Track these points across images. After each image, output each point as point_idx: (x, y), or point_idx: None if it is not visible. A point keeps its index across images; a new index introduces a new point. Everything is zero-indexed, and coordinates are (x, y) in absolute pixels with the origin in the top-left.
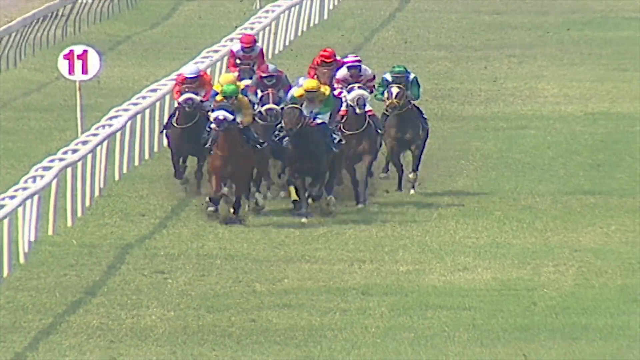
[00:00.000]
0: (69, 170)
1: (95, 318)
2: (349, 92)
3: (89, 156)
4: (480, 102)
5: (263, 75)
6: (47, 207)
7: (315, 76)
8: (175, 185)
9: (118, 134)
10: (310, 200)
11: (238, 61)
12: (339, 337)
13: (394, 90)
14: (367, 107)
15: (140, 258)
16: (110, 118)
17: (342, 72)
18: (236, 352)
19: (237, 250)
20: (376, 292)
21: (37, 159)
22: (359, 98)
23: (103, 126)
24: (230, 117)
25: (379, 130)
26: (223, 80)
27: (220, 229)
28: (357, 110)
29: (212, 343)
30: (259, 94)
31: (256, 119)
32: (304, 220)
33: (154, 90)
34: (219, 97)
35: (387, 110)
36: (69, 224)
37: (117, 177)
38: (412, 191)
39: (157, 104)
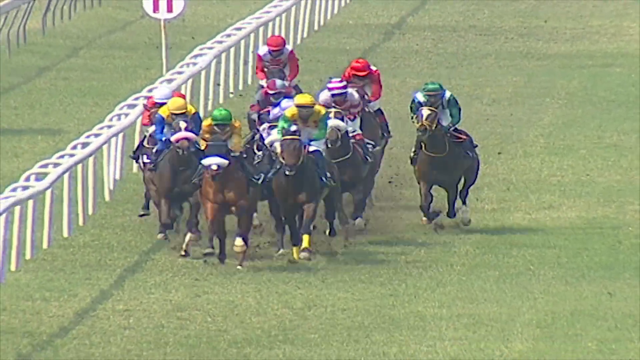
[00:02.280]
0: None
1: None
2: None
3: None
4: (565, 40)
5: (270, 92)
6: (131, 144)
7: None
8: None
9: (203, 73)
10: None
11: (266, 65)
12: (423, 274)
13: (425, 112)
14: (356, 132)
15: None
16: (195, 56)
17: (324, 97)
18: (321, 290)
19: None
20: (461, 230)
21: (121, 97)
22: (331, 131)
23: (188, 64)
24: (225, 162)
25: (369, 158)
26: (172, 105)
27: None
28: (329, 145)
29: (296, 281)
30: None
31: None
32: (281, 251)
33: (239, 29)
34: (206, 122)
35: (418, 136)
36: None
37: (201, 115)
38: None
39: (242, 42)
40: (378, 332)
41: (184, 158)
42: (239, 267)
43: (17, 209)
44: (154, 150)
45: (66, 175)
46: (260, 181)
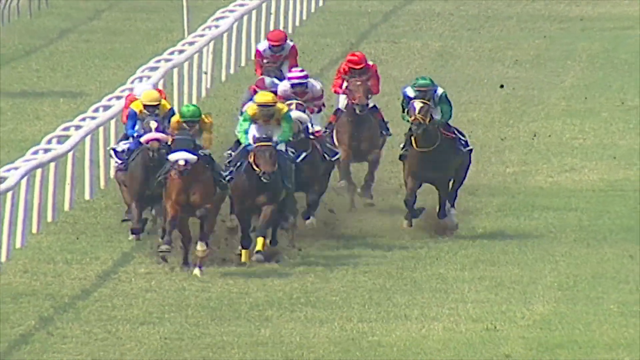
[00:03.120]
0: (175, 71)
1: None
2: None
3: (195, 57)
4: (587, 2)
5: (258, 89)
6: None
7: (348, 90)
8: None
9: (225, 35)
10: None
11: (265, 61)
12: (445, 237)
13: (417, 105)
14: (315, 128)
15: None
16: (217, 19)
17: (284, 87)
18: (342, 253)
19: None
20: (483, 193)
21: (143, 60)
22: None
23: (209, 27)
24: (194, 158)
25: (326, 156)
26: (146, 97)
27: None
28: (290, 138)
29: (318, 244)
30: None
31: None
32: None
33: None
34: (174, 119)
35: (410, 130)
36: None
37: (223, 79)
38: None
39: (264, 5)
40: (400, 294)
41: (155, 159)
42: (196, 273)
43: (39, 171)
44: (124, 149)
45: (88, 138)
46: (228, 183)
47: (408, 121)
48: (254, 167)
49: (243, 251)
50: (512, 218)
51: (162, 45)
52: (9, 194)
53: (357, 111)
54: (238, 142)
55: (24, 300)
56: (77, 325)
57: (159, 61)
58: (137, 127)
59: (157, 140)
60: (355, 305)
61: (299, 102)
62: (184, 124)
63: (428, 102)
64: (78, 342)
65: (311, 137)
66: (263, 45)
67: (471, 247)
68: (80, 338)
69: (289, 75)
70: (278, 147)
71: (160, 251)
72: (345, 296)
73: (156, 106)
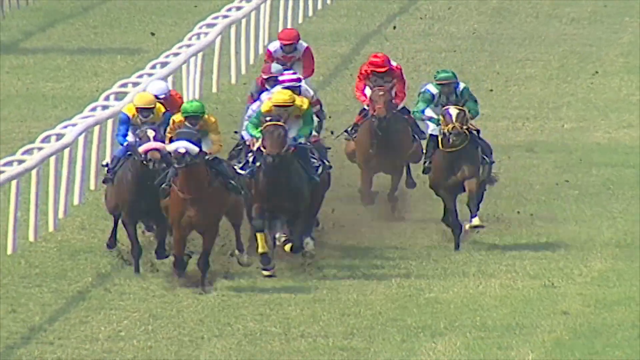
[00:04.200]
0: (232, 27)
1: None
2: None
3: (253, 14)
4: None
5: (265, 76)
6: (210, 65)
7: (370, 99)
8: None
9: None
10: (287, 248)
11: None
12: (503, 193)
13: (453, 111)
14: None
15: None
16: None
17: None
18: (401, 212)
19: None
20: (540, 150)
21: (201, 17)
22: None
23: None
24: (195, 149)
25: (326, 162)
26: (139, 100)
27: None
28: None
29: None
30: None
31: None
32: (266, 273)
33: None
34: (177, 117)
35: (445, 137)
36: (233, 81)
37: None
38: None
39: None
40: (456, 252)
41: (152, 172)
42: (201, 292)
43: (97, 128)
44: (113, 157)
45: None
46: (241, 180)
47: (430, 120)
48: (262, 148)
49: (258, 235)
50: (570, 175)
51: (220, 2)
52: (66, 151)
53: (375, 125)
54: (242, 141)
55: (82, 257)
56: (135, 282)
57: (216, 17)
58: (129, 135)
59: (157, 150)
60: (412, 262)
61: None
62: (186, 122)
63: (463, 108)
64: (136, 299)
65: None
66: (274, 45)
67: (529, 204)
68: (137, 294)
69: (281, 78)
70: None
71: (181, 282)
72: (403, 253)
73: (151, 109)
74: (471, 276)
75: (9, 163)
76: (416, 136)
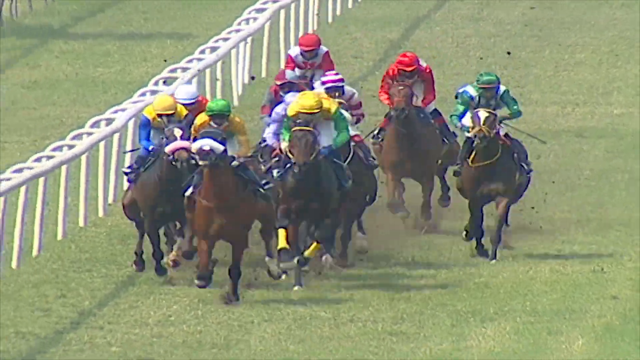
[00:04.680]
0: (282, 12)
1: None
2: None
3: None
4: None
5: (279, 83)
6: (260, 50)
7: (389, 95)
8: None
9: None
10: (312, 247)
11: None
12: (552, 178)
13: (482, 114)
14: (352, 132)
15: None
16: None
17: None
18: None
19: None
20: (590, 135)
21: (250, 2)
22: None
23: None
24: (220, 147)
25: (371, 162)
26: (159, 105)
27: None
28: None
29: None
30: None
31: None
32: (295, 288)
33: None
34: (201, 119)
35: (474, 142)
36: (282, 66)
37: (330, 20)
38: (492, 261)
39: None
40: (508, 234)
41: (179, 172)
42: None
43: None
44: (135, 158)
45: (195, 80)
46: (270, 186)
47: (462, 128)
48: (289, 154)
49: (280, 230)
50: (620, 160)
51: None
52: (116, 136)
53: (395, 116)
54: (262, 148)
55: (131, 242)
56: (184, 267)
57: (265, 2)
58: (152, 137)
59: (185, 149)
60: (462, 247)
61: (341, 101)
62: (211, 122)
63: (494, 112)
64: (185, 284)
65: (352, 143)
66: (295, 50)
67: (578, 189)
68: (187, 279)
69: (323, 78)
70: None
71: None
72: (452, 239)
73: (171, 115)
74: (521, 261)
75: (59, 148)
76: (446, 139)
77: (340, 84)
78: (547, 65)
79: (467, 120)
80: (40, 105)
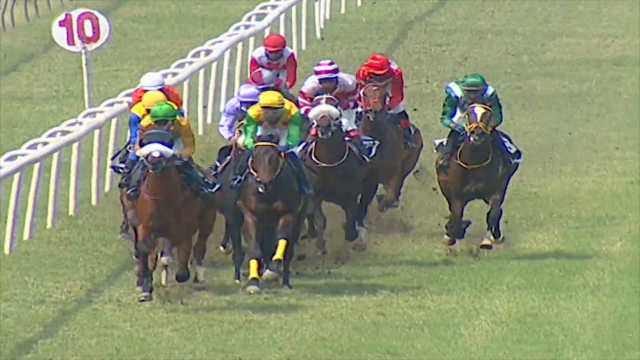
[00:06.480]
0: None
1: None
2: (313, 107)
3: None
4: None
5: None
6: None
7: (363, 95)
8: None
9: None
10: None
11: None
12: (594, 101)
13: (479, 110)
14: (349, 126)
15: (422, 33)
16: None
17: (310, 84)
18: (505, 116)
19: (505, 26)
20: (628, 63)
21: None
22: (322, 117)
23: None
24: (169, 152)
25: (366, 158)
26: (148, 100)
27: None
28: (320, 135)
29: None
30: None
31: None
32: (251, 289)
33: None
34: (145, 122)
35: (470, 140)
36: (359, 4)
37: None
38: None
39: None
40: (555, 152)
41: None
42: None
43: (240, 45)
44: (124, 161)
45: (282, 17)
46: (214, 190)
47: (456, 128)
48: (252, 172)
49: (252, 262)
50: None
51: None
52: (214, 65)
53: (371, 118)
54: (224, 152)
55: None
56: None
57: None
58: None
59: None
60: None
61: (330, 96)
62: (155, 125)
63: (490, 108)
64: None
65: (346, 138)
66: (259, 52)
67: (616, 111)
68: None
69: (317, 69)
70: (291, 150)
71: (141, 297)
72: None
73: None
74: (567, 174)
75: (164, 75)
76: (408, 143)
77: (334, 75)
78: (591, 2)
79: (458, 119)
80: (147, 38)
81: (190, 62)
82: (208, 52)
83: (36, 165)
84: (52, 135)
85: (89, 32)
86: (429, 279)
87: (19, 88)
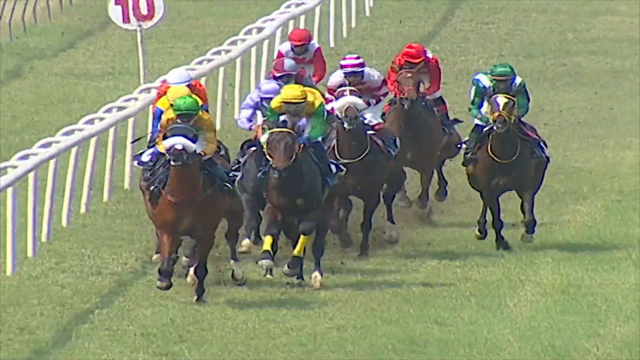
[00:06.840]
0: None
1: None
2: (337, 99)
3: None
4: None
5: (277, 74)
6: None
7: (397, 82)
8: None
9: None
10: (300, 242)
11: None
12: (636, 78)
13: (501, 100)
14: (373, 121)
15: (469, 11)
16: None
17: (336, 78)
18: (549, 92)
19: (550, 5)
20: None
21: None
22: (347, 107)
23: None
24: (192, 146)
25: (392, 151)
26: (173, 94)
27: None
28: (347, 126)
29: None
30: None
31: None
32: (264, 262)
33: None
34: (168, 115)
35: (492, 129)
36: None
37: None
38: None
39: None
40: (598, 127)
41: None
42: (195, 299)
43: (291, 22)
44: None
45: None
46: (236, 181)
47: (482, 119)
48: (268, 157)
49: (267, 237)
50: None
51: None
52: (266, 42)
53: (406, 106)
54: (244, 147)
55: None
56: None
57: None
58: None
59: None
60: (560, 135)
61: (353, 89)
62: (179, 120)
63: (513, 98)
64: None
65: (370, 131)
66: (285, 46)
67: None
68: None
69: (342, 62)
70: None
71: (160, 286)
72: (552, 127)
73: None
74: (610, 148)
75: (217, 52)
76: (446, 129)
77: (359, 69)
78: None
79: (484, 109)
80: (201, 15)
81: (243, 40)
82: (260, 29)
83: (93, 140)
84: (109, 110)
85: (144, 10)
86: (475, 252)
87: (76, 65)
